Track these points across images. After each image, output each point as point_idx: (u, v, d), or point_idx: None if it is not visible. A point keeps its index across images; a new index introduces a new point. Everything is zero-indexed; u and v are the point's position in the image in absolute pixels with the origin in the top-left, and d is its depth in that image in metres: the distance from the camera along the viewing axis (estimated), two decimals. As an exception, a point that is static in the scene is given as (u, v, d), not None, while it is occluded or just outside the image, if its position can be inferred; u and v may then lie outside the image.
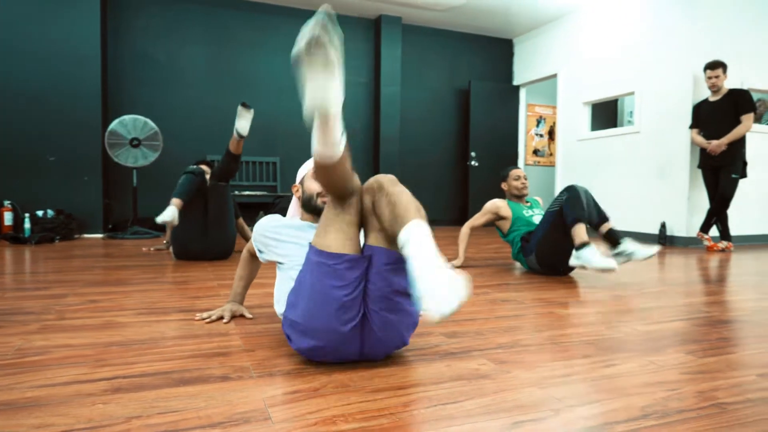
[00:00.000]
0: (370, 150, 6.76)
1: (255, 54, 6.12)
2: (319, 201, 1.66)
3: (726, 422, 1.05)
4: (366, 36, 6.66)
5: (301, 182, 1.72)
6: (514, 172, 3.39)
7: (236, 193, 5.80)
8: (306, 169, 1.73)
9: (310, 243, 1.43)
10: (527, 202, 3.45)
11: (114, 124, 4.96)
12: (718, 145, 4.47)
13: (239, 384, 1.26)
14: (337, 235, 1.36)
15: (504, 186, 3.42)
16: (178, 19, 5.81)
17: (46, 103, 5.05)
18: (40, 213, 4.72)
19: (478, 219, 3.36)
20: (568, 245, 2.87)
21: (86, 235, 5.18)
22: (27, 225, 4.48)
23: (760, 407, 1.13)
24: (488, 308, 2.14)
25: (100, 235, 5.20)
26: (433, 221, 7.22)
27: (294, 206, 1.83)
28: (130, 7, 5.62)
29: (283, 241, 1.63)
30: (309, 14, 6.34)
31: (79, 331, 1.72)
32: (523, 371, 1.36)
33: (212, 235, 3.43)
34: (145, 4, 5.67)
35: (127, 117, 5.03)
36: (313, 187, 1.66)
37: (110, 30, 5.53)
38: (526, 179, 3.39)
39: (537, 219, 3.27)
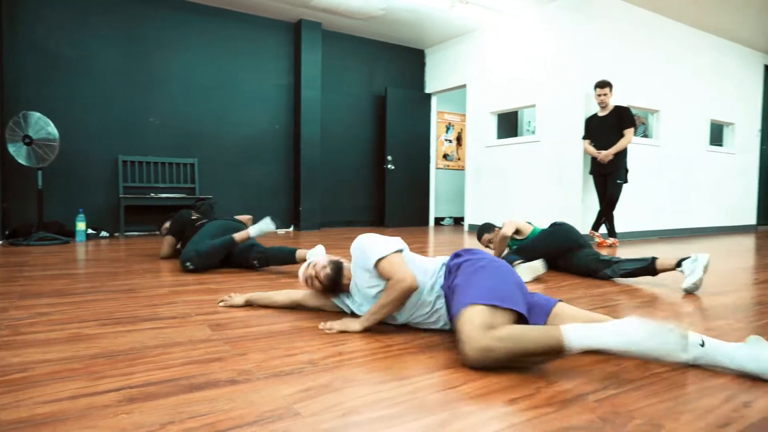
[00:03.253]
0: (290, 152, 6.78)
1: (171, 51, 5.88)
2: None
3: (668, 386, 1.34)
4: (286, 39, 6.66)
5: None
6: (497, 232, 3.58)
7: (152, 195, 5.56)
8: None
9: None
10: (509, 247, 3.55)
11: (14, 118, 4.58)
12: (606, 155, 5.11)
13: (251, 386, 1.34)
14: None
15: (488, 237, 3.60)
16: (86, 10, 5.41)
17: (-75, 94, 4.48)
18: None
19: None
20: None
21: (-22, 243, 4.68)
22: None
23: (689, 372, 1.45)
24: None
25: (-5, 243, 4.72)
26: (352, 222, 7.40)
27: None
28: (27, -7, 5.14)
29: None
30: (224, 12, 6.21)
31: (49, 345, 1.67)
32: (497, 358, 1.58)
33: None
34: (44, -10, 5.23)
35: (28, 113, 4.64)
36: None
37: (5, 19, 5.03)
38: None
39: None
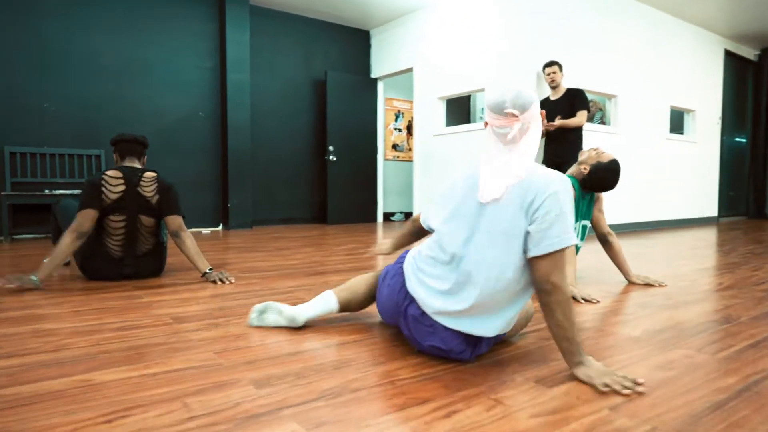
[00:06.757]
0: (217, 142, 6.10)
1: (70, 26, 5.13)
2: None
3: (404, 390, 0.81)
4: (208, 15, 5.96)
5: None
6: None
7: (47, 192, 4.82)
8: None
9: None
10: None
11: None
12: (554, 124, 4.62)
13: None
14: None
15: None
16: (-42, -26, 4.63)
17: None
18: None
19: None
20: None
21: None
22: None
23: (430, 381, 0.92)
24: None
25: None
26: (290, 219, 6.78)
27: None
28: None
29: None
30: (138, -16, 5.48)
31: None
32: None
33: None
34: None
35: None
36: None
37: None
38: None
39: None
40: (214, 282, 2.70)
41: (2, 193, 4.61)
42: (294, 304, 2.24)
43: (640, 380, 1.27)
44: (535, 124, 1.43)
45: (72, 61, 5.15)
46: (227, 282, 2.71)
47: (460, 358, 1.45)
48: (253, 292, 2.48)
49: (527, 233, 1.33)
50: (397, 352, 1.58)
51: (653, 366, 1.45)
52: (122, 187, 2.67)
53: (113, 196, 2.65)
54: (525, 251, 1.34)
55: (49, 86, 5.04)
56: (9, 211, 4.73)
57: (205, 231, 5.82)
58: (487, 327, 1.39)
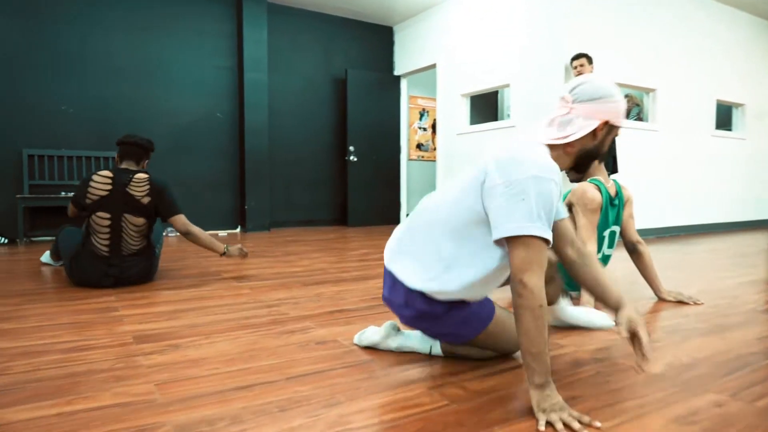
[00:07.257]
0: (234, 143, 6.00)
1: (86, 28, 5.11)
2: None
3: None
4: (225, 15, 5.86)
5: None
6: None
7: (63, 194, 4.81)
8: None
9: None
10: None
11: None
12: None
13: None
14: None
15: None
16: (-22, -21, 4.66)
17: None
18: None
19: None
20: None
21: None
22: None
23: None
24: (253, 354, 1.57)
25: None
26: (310, 222, 6.63)
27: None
28: None
29: None
30: (155, -15, 5.43)
31: None
32: None
33: None
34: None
35: None
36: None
37: None
38: None
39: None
40: (244, 256, 3.02)
41: (18, 196, 4.62)
42: (274, 320, 2.05)
43: (597, 424, 1.10)
44: (582, 122, 1.27)
45: (89, 63, 5.13)
46: (245, 252, 3.04)
47: (399, 313, 1.45)
48: (236, 305, 2.30)
49: (483, 189, 1.24)
50: (362, 388, 1.35)
51: (671, 418, 1.17)
52: (109, 187, 2.68)
53: (100, 193, 2.66)
54: (481, 205, 1.26)
55: (66, 89, 5.04)
56: (25, 213, 4.74)
57: (222, 233, 5.73)
58: (409, 271, 1.37)
